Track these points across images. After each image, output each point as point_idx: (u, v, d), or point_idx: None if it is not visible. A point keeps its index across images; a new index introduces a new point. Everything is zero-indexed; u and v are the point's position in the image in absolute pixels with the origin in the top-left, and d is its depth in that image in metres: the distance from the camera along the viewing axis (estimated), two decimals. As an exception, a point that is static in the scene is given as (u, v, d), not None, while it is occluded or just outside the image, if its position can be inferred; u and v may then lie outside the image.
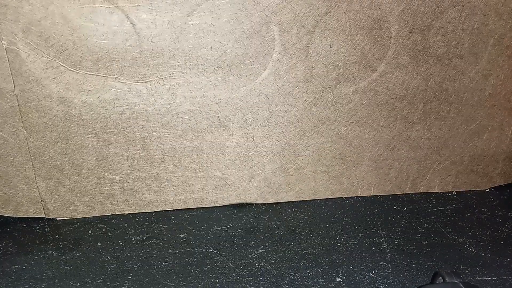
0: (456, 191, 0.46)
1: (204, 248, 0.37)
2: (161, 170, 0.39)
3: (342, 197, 0.44)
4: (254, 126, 0.39)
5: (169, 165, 0.39)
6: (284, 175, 0.42)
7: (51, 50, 0.33)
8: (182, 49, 0.34)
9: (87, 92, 0.35)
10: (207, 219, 0.41)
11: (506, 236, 0.40)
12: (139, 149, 0.38)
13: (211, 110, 0.37)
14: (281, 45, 0.36)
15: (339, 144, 0.41)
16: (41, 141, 0.36)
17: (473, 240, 0.39)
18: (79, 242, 0.37)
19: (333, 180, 0.43)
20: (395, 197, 0.44)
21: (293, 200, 0.43)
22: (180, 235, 0.38)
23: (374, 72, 0.39)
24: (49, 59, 0.33)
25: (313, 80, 0.38)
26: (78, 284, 0.33)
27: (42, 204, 0.39)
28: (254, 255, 0.36)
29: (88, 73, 0.34)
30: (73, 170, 0.38)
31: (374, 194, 0.45)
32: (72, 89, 0.34)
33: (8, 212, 0.39)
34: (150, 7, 0.33)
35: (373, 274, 0.35)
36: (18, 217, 0.39)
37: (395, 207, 0.43)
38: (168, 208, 0.41)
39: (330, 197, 0.44)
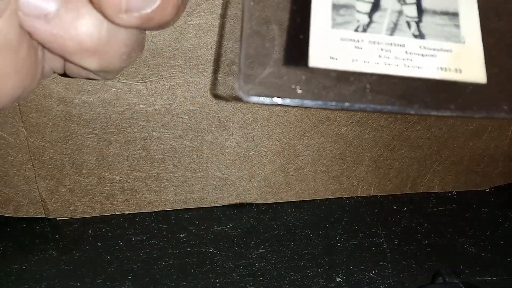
0: (456, 191, 0.46)
1: (204, 248, 0.37)
2: (161, 170, 0.39)
3: (342, 197, 0.44)
4: (254, 126, 0.39)
5: (169, 165, 0.39)
6: (284, 175, 0.42)
7: (51, 50, 0.33)
8: (182, 49, 0.34)
9: (87, 92, 0.35)
10: (207, 219, 0.41)
11: (506, 236, 0.40)
12: (139, 149, 0.38)
13: (211, 110, 0.37)
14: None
15: (339, 144, 0.41)
16: (41, 141, 0.36)
17: (473, 240, 0.39)
18: (79, 242, 0.37)
19: (333, 180, 0.43)
20: (395, 197, 0.44)
21: (293, 200, 0.43)
22: (180, 235, 0.38)
23: (374, 72, 0.39)
24: (49, 59, 0.33)
25: (313, 80, 0.38)
26: (78, 284, 0.33)
27: (42, 204, 0.39)
28: (254, 255, 0.36)
29: (88, 73, 0.34)
30: (73, 170, 0.37)
31: (374, 194, 0.45)
32: (72, 88, 0.34)
33: (8, 212, 0.39)
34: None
35: (373, 274, 0.35)
36: (18, 217, 0.39)
37: (395, 207, 0.43)
38: (168, 208, 0.41)
39: (330, 197, 0.44)
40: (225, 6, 0.34)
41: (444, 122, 0.42)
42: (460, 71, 0.19)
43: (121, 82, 0.35)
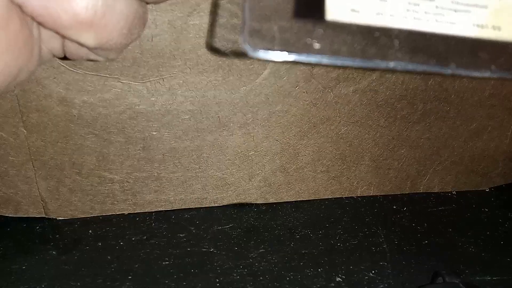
0: (456, 191, 0.46)
1: (204, 248, 0.37)
2: (161, 170, 0.39)
3: (342, 197, 0.44)
4: (254, 126, 0.39)
5: (169, 165, 0.39)
6: (284, 175, 0.42)
7: (51, 50, 0.33)
8: (182, 49, 0.34)
9: (88, 92, 0.35)
10: (207, 219, 0.41)
11: (506, 236, 0.40)
12: (139, 149, 0.38)
13: (211, 110, 0.37)
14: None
15: (339, 144, 0.41)
16: (41, 141, 0.36)
17: (473, 240, 0.39)
18: (79, 242, 0.37)
19: (333, 180, 0.43)
20: (395, 197, 0.44)
21: (293, 200, 0.43)
22: (180, 235, 0.38)
23: (374, 72, 0.39)
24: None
25: (313, 80, 0.38)
26: (78, 284, 0.33)
27: (42, 204, 0.39)
28: (254, 255, 0.36)
29: (89, 73, 0.34)
30: (73, 170, 0.37)
31: (374, 194, 0.45)
32: (72, 89, 0.34)
33: (8, 212, 0.39)
34: (150, 7, 0.33)
35: (373, 274, 0.35)
36: (18, 217, 0.39)
37: (395, 207, 0.43)
38: (168, 208, 0.41)
39: (330, 197, 0.44)
40: None
41: (444, 122, 0.42)
42: (499, 28, 0.17)
43: (121, 82, 0.35)
